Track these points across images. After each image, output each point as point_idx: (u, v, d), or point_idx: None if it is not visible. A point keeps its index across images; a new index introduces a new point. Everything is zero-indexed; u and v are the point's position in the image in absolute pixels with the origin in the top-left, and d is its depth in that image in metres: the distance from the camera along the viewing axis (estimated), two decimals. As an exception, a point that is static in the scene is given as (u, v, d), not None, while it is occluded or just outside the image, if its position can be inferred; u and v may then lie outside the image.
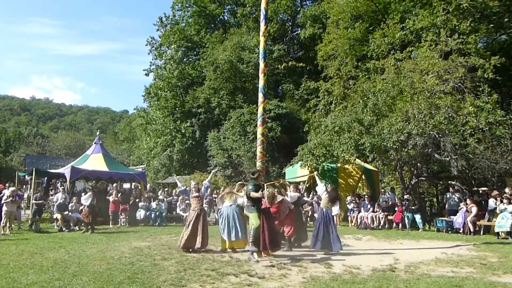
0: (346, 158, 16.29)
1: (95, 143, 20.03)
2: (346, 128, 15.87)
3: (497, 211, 12.82)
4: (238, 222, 9.29)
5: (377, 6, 23.29)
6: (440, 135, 14.32)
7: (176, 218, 17.56)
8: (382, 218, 15.55)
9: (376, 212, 15.73)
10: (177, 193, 9.62)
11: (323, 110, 19.34)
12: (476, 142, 14.05)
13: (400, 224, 15.12)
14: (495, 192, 13.82)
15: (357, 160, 17.38)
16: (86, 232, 13.20)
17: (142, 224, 16.06)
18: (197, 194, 9.70)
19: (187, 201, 17.69)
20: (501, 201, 12.83)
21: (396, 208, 15.53)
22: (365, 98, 16.30)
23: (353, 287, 6.02)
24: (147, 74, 40.58)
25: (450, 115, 13.94)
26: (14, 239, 11.33)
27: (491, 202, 13.54)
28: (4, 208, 12.91)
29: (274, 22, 33.62)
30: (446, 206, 15.44)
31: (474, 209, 13.46)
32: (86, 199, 13.67)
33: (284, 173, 21.09)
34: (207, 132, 31.95)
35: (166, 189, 24.02)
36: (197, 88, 33.70)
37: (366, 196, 16.67)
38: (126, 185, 22.80)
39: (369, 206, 15.90)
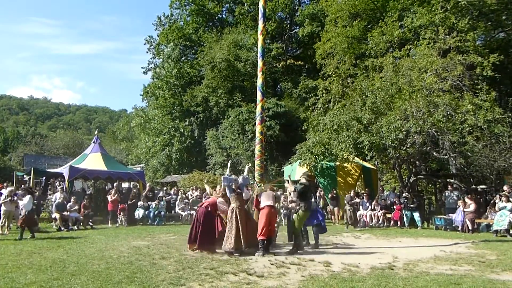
0: (345, 157, 16.31)
1: (93, 142, 20.01)
2: (345, 126, 15.87)
3: (496, 208, 12.85)
4: None
5: (375, 4, 23.27)
6: (439, 133, 14.34)
7: (175, 217, 17.55)
8: (380, 216, 15.57)
9: (375, 210, 15.74)
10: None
11: (321, 109, 19.35)
12: (474, 140, 14.06)
13: (399, 222, 15.14)
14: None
15: (355, 158, 17.39)
16: (21, 239, 11.21)
17: (141, 223, 16.05)
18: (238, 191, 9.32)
19: (185, 200, 17.72)
20: (500, 199, 12.87)
21: (394, 206, 15.55)
22: (364, 96, 16.31)
23: (352, 285, 6.01)
24: (145, 73, 40.67)
25: (448, 113, 13.95)
26: (12, 239, 11.30)
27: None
28: (3, 208, 12.87)
29: (272, 20, 33.62)
30: (445, 204, 15.47)
31: (472, 206, 13.48)
32: (27, 203, 11.96)
33: (283, 171, 21.10)
34: (205, 131, 31.94)
35: (165, 188, 24.01)
36: (195, 87, 33.66)
37: (364, 194, 16.68)
38: (125, 185, 22.77)
39: (367, 204, 15.91)
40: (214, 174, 27.08)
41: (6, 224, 12.81)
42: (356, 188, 18.60)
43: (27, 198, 12.20)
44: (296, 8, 35.77)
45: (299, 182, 9.77)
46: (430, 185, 20.67)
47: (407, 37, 19.89)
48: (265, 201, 9.18)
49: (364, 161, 18.83)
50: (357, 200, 15.99)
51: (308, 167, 17.10)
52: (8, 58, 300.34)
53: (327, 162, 17.41)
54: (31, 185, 17.09)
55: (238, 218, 8.85)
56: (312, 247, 9.82)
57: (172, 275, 6.67)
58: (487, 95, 14.18)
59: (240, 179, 9.71)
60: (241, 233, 8.71)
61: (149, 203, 16.59)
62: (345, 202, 15.47)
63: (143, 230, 13.95)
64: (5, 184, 18.13)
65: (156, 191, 19.30)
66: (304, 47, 34.14)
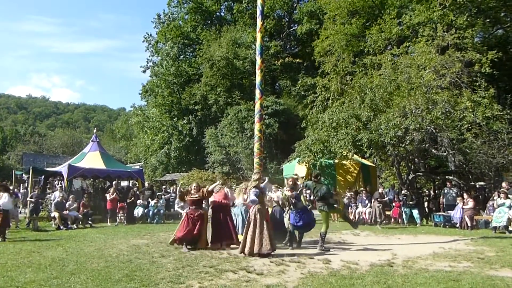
0: (344, 154, 16.30)
1: (92, 141, 19.97)
2: (344, 124, 15.86)
3: (495, 205, 12.88)
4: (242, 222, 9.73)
5: (373, 1, 23.28)
6: (437, 130, 14.34)
7: (174, 215, 17.53)
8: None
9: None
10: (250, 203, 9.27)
11: (320, 106, 19.31)
12: (473, 137, 14.07)
13: (399, 220, 15.15)
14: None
15: (354, 156, 17.39)
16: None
17: (140, 221, 16.05)
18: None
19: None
20: (499, 196, 12.90)
21: (393, 204, 15.55)
22: (362, 94, 16.29)
23: (352, 283, 6.02)
24: (144, 71, 40.61)
25: (447, 110, 13.96)
26: (11, 238, 11.30)
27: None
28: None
29: (270, 18, 33.59)
30: (444, 200, 15.49)
31: (470, 203, 13.51)
32: (7, 202, 11.21)
33: (282, 169, 21.10)
34: (204, 129, 31.91)
35: (164, 186, 24.01)
36: (194, 85, 33.64)
37: (363, 191, 16.67)
38: (124, 183, 22.78)
39: (366, 201, 15.90)
40: (213, 172, 27.06)
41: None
42: (357, 186, 18.63)
43: (6, 196, 11.21)
44: (295, 5, 35.75)
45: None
46: (429, 182, 20.70)
47: (405, 34, 19.89)
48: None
49: (363, 158, 18.84)
50: (387, 198, 15.41)
51: (307, 165, 17.10)
52: (7, 56, 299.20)
53: (326, 160, 17.41)
54: (29, 184, 17.03)
55: (266, 218, 8.69)
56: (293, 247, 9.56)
57: (171, 273, 6.67)
58: (486, 92, 14.19)
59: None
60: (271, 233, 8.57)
61: (149, 200, 16.61)
62: (374, 199, 15.08)
63: (142, 228, 13.95)
64: (4, 183, 18.10)
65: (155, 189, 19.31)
66: (303, 45, 34.14)
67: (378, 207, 14.70)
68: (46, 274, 6.61)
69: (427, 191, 19.92)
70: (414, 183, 18.15)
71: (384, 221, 14.80)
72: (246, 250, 8.32)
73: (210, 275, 6.51)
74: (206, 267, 7.15)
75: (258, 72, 10.64)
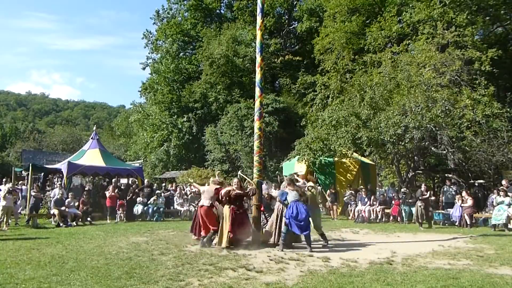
0: (343, 152, 16.30)
1: (91, 138, 19.95)
2: (343, 122, 15.87)
3: (494, 203, 12.90)
4: None
5: (373, -1, 23.25)
6: (437, 128, 14.35)
7: (173, 213, 17.55)
8: (379, 211, 15.59)
9: (373, 205, 15.76)
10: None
11: (320, 104, 19.32)
12: (472, 135, 14.09)
13: (398, 218, 15.17)
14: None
15: (354, 154, 17.40)
16: None
17: (140, 219, 16.05)
18: None
19: (184, 196, 17.72)
20: (498, 194, 12.92)
21: (393, 202, 15.57)
22: (362, 92, 16.30)
23: (351, 280, 6.03)
24: (143, 68, 40.54)
25: (447, 108, 13.96)
26: (11, 235, 11.30)
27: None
28: (2, 204, 12.85)
29: (270, 16, 33.51)
30: (443, 198, 15.50)
31: (469, 201, 13.53)
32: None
33: (282, 167, 21.10)
34: (204, 127, 31.87)
35: (163, 184, 24.00)
36: (194, 83, 33.59)
37: (363, 189, 16.69)
38: (123, 180, 22.77)
39: (366, 199, 15.93)
40: (213, 170, 27.05)
41: (5, 220, 12.80)
42: (356, 184, 18.64)
43: None
44: (295, 3, 35.65)
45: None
46: (429, 180, 20.72)
47: (405, 32, 19.88)
48: (204, 200, 9.60)
49: (363, 156, 18.84)
50: (427, 195, 13.89)
51: (307, 163, 17.10)
52: (7, 53, 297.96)
53: (326, 158, 17.42)
54: (29, 181, 17.01)
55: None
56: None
57: (171, 270, 6.67)
58: (485, 90, 14.21)
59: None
60: None
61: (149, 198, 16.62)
62: (417, 197, 14.01)
63: (142, 226, 13.95)
64: (3, 180, 18.09)
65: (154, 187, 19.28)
66: (303, 43, 34.10)
67: (420, 206, 13.36)
68: (46, 271, 6.61)
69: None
70: (413, 181, 18.17)
71: (428, 222, 13.67)
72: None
73: (209, 273, 6.52)
74: (205, 264, 7.15)
75: (258, 70, 10.60)
